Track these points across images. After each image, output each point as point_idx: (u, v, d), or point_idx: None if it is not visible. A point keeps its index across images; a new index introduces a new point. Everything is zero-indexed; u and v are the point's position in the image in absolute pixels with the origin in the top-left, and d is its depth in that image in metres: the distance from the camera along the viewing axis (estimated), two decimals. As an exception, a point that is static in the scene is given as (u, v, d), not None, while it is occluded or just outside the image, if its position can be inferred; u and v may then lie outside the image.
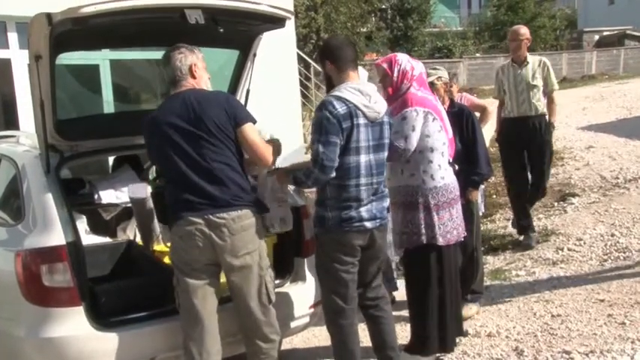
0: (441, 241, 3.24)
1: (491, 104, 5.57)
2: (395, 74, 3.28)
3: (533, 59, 5.31)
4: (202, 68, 2.91)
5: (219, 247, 2.76)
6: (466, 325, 3.86)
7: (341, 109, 2.82)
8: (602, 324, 3.64)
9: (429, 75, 4.19)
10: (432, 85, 4.12)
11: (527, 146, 5.27)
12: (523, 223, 5.45)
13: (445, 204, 3.25)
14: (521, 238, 5.51)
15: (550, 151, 5.34)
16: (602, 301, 3.97)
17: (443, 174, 3.25)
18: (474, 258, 4.06)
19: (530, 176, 5.38)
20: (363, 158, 2.90)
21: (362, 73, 4.22)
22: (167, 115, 2.78)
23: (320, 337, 3.97)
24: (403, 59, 3.32)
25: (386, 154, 3.02)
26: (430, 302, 3.29)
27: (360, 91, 2.89)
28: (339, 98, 2.85)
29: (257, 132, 2.86)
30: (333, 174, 2.85)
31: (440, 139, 3.24)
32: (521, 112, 5.24)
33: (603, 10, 30.69)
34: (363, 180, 2.90)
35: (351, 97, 2.85)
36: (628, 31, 26.49)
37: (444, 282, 3.31)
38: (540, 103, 5.20)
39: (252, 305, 2.86)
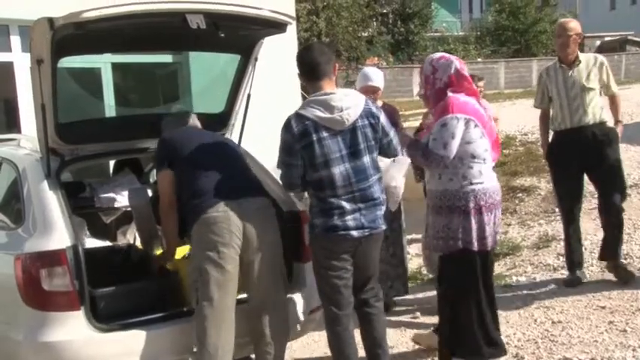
0: (476, 247, 3.13)
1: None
2: (422, 81, 3.29)
3: (586, 57, 4.42)
4: None
5: (250, 229, 2.87)
6: (466, 331, 3.85)
7: (297, 128, 2.85)
8: (603, 331, 3.63)
9: None
10: None
11: (587, 163, 4.33)
12: (574, 258, 4.54)
13: (483, 208, 3.13)
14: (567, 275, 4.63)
15: (618, 163, 4.36)
16: (603, 307, 3.96)
17: (482, 179, 3.14)
18: None
19: (599, 198, 4.52)
20: (337, 169, 2.86)
21: (377, 73, 4.24)
22: (190, 131, 3.23)
23: (319, 342, 3.96)
24: (426, 62, 3.27)
25: (366, 158, 2.93)
26: (470, 306, 3.18)
27: (323, 102, 2.87)
28: (298, 116, 2.88)
29: None
30: (299, 189, 3.00)
31: (482, 146, 3.14)
32: (576, 122, 4.30)
33: (604, 15, 30.75)
34: (340, 191, 2.87)
35: (310, 113, 2.86)
36: (629, 37, 26.52)
37: (481, 287, 3.20)
38: (598, 109, 4.29)
39: (270, 294, 2.96)
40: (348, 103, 2.89)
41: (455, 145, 3.08)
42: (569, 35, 4.34)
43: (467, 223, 3.11)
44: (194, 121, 3.36)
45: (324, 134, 2.85)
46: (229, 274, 2.84)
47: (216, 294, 2.80)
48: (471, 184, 3.11)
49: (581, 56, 4.40)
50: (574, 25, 4.43)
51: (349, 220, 2.89)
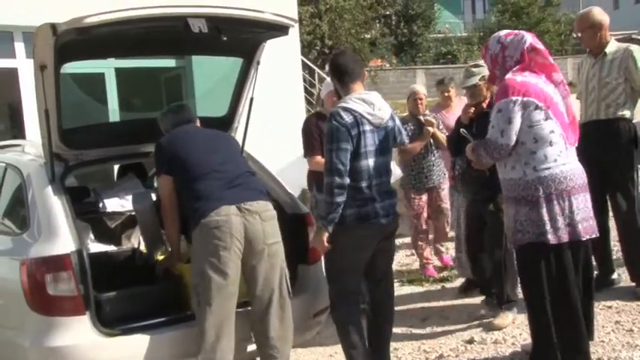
0: (550, 239, 2.85)
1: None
2: (488, 62, 3.08)
3: (615, 48, 3.99)
4: None
5: (251, 232, 2.88)
6: (472, 333, 3.85)
7: (347, 118, 3.01)
8: (609, 331, 3.62)
9: (472, 75, 3.88)
10: (474, 87, 3.87)
11: (601, 162, 3.91)
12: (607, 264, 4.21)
13: (553, 196, 2.86)
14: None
15: (631, 165, 3.95)
16: (610, 307, 3.94)
17: (549, 164, 2.88)
18: (501, 267, 3.82)
19: (610, 204, 4.08)
20: (372, 161, 3.08)
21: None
22: (189, 131, 3.15)
23: (325, 344, 3.96)
24: (492, 42, 3.04)
25: (390, 155, 3.22)
26: (543, 305, 2.92)
27: (364, 100, 3.07)
28: (345, 109, 3.04)
29: None
30: (347, 179, 2.99)
31: (546, 128, 2.87)
32: (589, 117, 4.02)
33: (608, 14, 30.57)
34: (374, 181, 3.08)
35: (355, 107, 3.04)
36: (634, 36, 26.35)
37: (564, 282, 2.91)
38: (615, 104, 3.93)
39: (274, 297, 2.95)
40: (381, 104, 3.13)
41: (513, 131, 2.86)
42: (582, 29, 4.03)
43: (534, 213, 2.87)
44: (191, 116, 3.29)
45: (367, 127, 3.05)
46: (230, 278, 2.84)
47: (216, 298, 2.81)
48: (535, 170, 2.87)
49: (611, 46, 3.99)
50: (590, 16, 4.01)
51: (379, 209, 3.09)
